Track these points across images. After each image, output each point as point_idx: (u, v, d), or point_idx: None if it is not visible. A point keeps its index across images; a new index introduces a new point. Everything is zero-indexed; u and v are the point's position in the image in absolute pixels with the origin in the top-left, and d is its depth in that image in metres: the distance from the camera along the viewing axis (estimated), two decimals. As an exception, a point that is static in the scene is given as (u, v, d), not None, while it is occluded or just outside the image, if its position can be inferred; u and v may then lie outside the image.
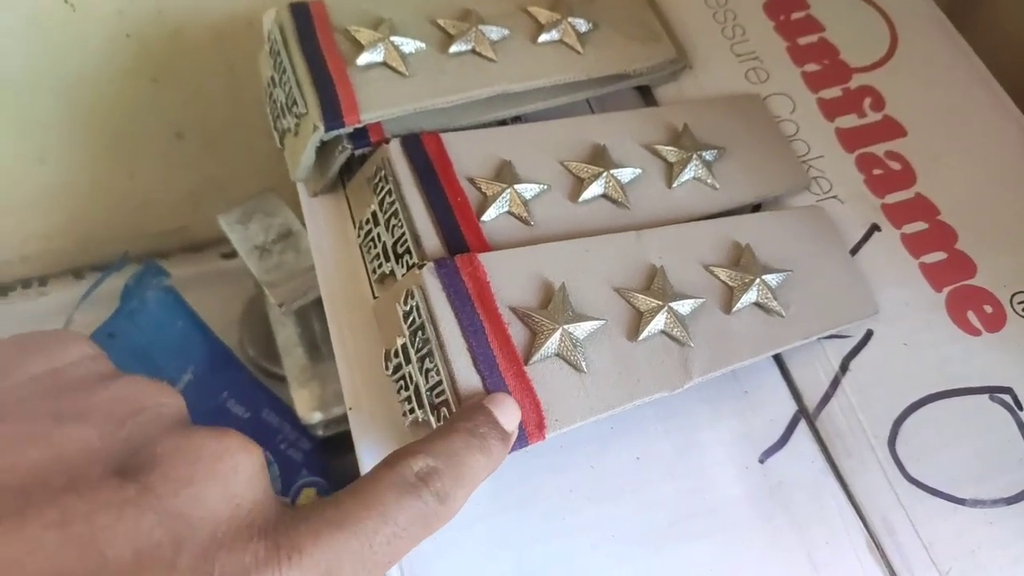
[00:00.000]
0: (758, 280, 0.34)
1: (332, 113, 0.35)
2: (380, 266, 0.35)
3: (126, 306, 0.56)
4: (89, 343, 0.21)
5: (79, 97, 0.54)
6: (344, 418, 0.42)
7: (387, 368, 0.33)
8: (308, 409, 0.56)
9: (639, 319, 0.32)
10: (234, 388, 0.58)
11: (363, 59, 0.36)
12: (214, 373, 0.58)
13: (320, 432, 0.59)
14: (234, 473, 0.19)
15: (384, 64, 0.36)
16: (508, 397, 0.28)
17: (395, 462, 0.23)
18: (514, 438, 0.28)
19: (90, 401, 0.19)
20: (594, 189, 0.36)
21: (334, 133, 0.35)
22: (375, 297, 0.36)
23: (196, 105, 0.56)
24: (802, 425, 0.34)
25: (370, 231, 0.36)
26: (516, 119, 0.40)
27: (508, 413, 0.28)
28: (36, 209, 0.62)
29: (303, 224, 0.54)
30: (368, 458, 0.33)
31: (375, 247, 0.35)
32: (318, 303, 0.54)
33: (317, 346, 0.58)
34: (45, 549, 0.16)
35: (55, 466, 0.17)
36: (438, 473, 0.23)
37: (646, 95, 0.43)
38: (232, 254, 0.69)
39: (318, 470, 0.59)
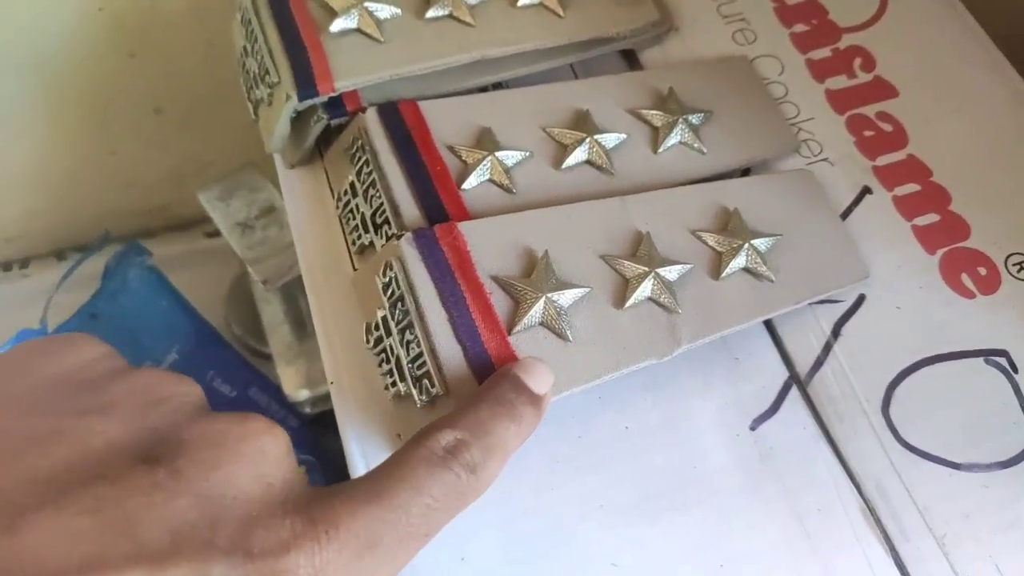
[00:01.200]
0: (747, 245, 0.33)
1: (305, 81, 0.34)
2: (359, 238, 0.34)
3: (108, 286, 0.55)
4: (100, 342, 0.21)
5: (56, 74, 0.52)
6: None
7: (368, 341, 0.32)
8: (295, 387, 0.55)
9: (625, 286, 0.31)
10: (220, 367, 0.57)
11: (336, 26, 0.35)
12: (199, 352, 0.57)
13: (308, 410, 0.58)
14: (261, 454, 0.19)
15: (358, 31, 0.35)
16: (537, 360, 0.28)
17: (423, 437, 0.24)
18: (547, 402, 0.27)
19: (109, 395, 0.19)
20: (578, 155, 0.35)
21: (308, 102, 0.34)
22: (355, 270, 0.35)
23: (174, 80, 0.55)
24: (794, 392, 0.34)
25: (348, 202, 0.35)
26: (497, 86, 0.39)
27: (537, 376, 0.27)
28: (17, 189, 0.61)
29: (286, 199, 0.53)
30: (350, 432, 0.32)
31: (354, 218, 0.35)
32: (302, 280, 0.53)
33: (303, 323, 0.57)
34: (81, 536, 0.16)
35: (82, 460, 0.17)
36: (466, 445, 0.23)
37: (631, 59, 0.42)
38: (216, 232, 0.68)
39: (307, 448, 0.59)
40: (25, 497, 0.16)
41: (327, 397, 0.55)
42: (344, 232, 0.36)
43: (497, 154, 0.34)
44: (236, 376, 0.58)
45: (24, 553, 0.15)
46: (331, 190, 0.37)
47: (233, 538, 0.18)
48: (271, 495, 0.19)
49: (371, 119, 0.34)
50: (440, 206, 0.33)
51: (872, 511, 0.31)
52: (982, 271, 0.36)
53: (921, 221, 0.37)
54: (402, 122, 0.34)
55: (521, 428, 0.25)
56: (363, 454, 0.31)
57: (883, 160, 0.39)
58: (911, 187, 0.38)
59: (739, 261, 0.33)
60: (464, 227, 0.31)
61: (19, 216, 0.63)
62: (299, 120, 0.36)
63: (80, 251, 0.65)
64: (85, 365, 0.20)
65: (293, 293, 0.57)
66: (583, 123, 0.36)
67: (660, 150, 0.36)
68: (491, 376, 0.27)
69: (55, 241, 0.65)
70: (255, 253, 0.51)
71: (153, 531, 0.17)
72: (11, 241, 0.64)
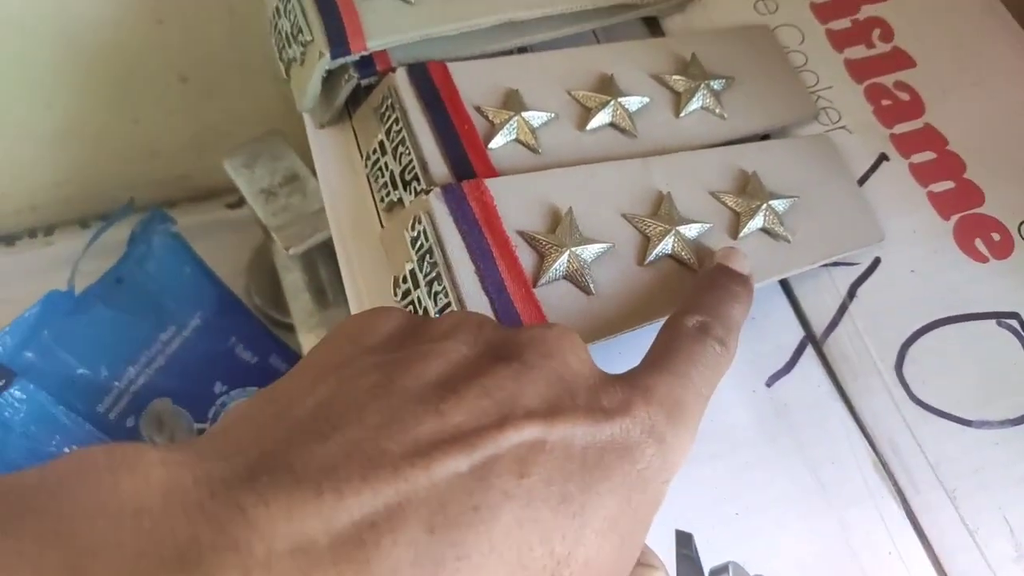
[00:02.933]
0: (765, 206, 0.34)
1: (338, 40, 0.35)
2: (388, 195, 0.35)
3: (133, 251, 0.56)
4: (401, 309, 0.26)
5: (84, 40, 0.53)
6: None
7: (396, 294, 0.33)
8: (316, 353, 0.56)
9: (647, 243, 0.32)
10: (242, 334, 0.58)
11: (368, -13, 0.36)
12: (222, 318, 0.58)
13: (328, 376, 0.59)
14: (573, 346, 0.23)
15: (389, -8, 0.36)
16: (730, 248, 0.31)
17: (674, 321, 0.27)
18: (754, 280, 0.31)
19: (440, 330, 0.23)
20: (601, 118, 0.36)
21: (340, 61, 0.35)
22: (383, 227, 0.36)
23: (199, 48, 0.56)
24: (809, 350, 0.34)
25: (377, 160, 0.36)
26: (522, 50, 0.40)
27: (736, 260, 0.31)
28: (45, 156, 0.62)
29: (308, 167, 0.54)
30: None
31: (383, 176, 0.35)
32: (324, 249, 0.54)
33: (324, 292, 0.58)
34: (487, 410, 0.20)
35: (454, 368, 0.21)
36: (710, 324, 0.27)
37: (653, 27, 0.43)
38: (238, 204, 0.69)
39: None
40: (433, 393, 0.20)
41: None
42: (372, 190, 0.36)
43: (523, 115, 0.35)
44: (258, 343, 0.59)
45: (455, 426, 0.19)
46: (359, 149, 0.38)
47: (589, 402, 0.22)
48: (595, 372, 0.23)
49: (401, 78, 0.35)
50: (468, 163, 0.34)
51: (884, 465, 0.32)
52: (996, 237, 0.37)
53: (936, 188, 0.38)
54: (431, 82, 0.35)
55: (742, 304, 0.29)
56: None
57: (900, 128, 0.39)
58: (927, 155, 0.39)
59: (757, 221, 0.34)
60: (491, 183, 0.32)
61: (45, 184, 0.64)
62: (329, 80, 0.37)
63: (103, 220, 0.66)
64: (406, 318, 0.24)
65: (314, 262, 0.58)
66: (607, 87, 0.37)
67: (682, 114, 0.37)
68: (702, 271, 0.31)
69: (79, 209, 0.67)
70: (278, 220, 0.52)
71: (533, 401, 0.21)
72: (37, 209, 0.66)
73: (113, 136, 0.61)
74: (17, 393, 0.53)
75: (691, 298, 0.29)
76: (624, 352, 0.34)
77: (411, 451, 0.18)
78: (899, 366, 0.34)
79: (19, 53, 0.52)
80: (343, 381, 0.21)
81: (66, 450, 0.54)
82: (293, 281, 0.59)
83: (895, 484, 0.32)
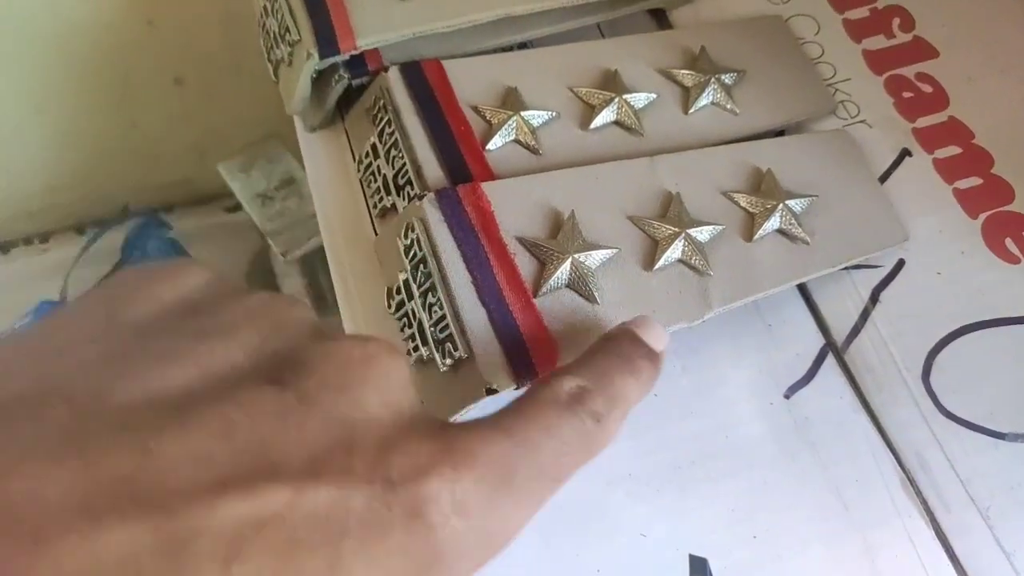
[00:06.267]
0: (781, 206, 0.32)
1: (326, 39, 0.33)
2: (381, 200, 0.33)
3: (128, 257, 0.55)
4: (207, 268, 0.20)
5: (75, 42, 0.52)
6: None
7: (389, 306, 0.31)
8: (316, 361, 0.54)
9: (655, 247, 0.30)
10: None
11: (358, -19, 0.34)
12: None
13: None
14: (386, 378, 0.18)
15: (380, -13, 0.34)
16: (650, 318, 0.27)
17: (547, 382, 0.22)
18: (663, 360, 0.26)
19: (225, 319, 0.18)
20: (606, 115, 0.34)
21: (329, 61, 0.33)
22: (376, 234, 0.34)
23: (194, 50, 0.54)
24: (830, 359, 0.32)
25: (370, 164, 0.34)
26: (523, 46, 0.38)
27: (652, 332, 0.26)
28: (39, 163, 0.60)
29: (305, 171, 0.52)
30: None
31: (375, 180, 0.34)
32: (322, 254, 0.53)
33: (324, 297, 0.57)
34: (213, 458, 0.15)
35: (206, 382, 0.16)
36: (590, 393, 0.22)
37: (660, 19, 0.41)
38: (237, 207, 0.67)
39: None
40: (151, 419, 0.15)
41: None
42: (365, 196, 0.35)
43: (523, 114, 0.33)
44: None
45: (156, 479, 0.14)
46: (352, 153, 0.36)
47: (372, 465, 0.16)
48: (402, 420, 0.18)
49: (394, 78, 0.33)
50: (464, 167, 0.32)
51: (912, 482, 0.30)
52: (1027, 236, 0.35)
53: (963, 184, 0.36)
54: (425, 81, 0.33)
55: (640, 382, 0.24)
56: (385, 420, 0.30)
57: (923, 122, 0.37)
58: (952, 150, 0.37)
59: (773, 222, 0.32)
60: (488, 187, 0.30)
61: (41, 191, 0.63)
62: (320, 80, 0.35)
63: (99, 225, 0.64)
64: (196, 289, 0.19)
65: (313, 268, 0.56)
66: (611, 83, 0.35)
67: (691, 111, 0.35)
68: (606, 333, 0.26)
69: (76, 215, 0.65)
70: (274, 225, 0.50)
71: (290, 455, 0.16)
72: (33, 216, 0.64)
73: (109, 141, 0.60)
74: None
75: (581, 359, 0.24)
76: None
77: (76, 511, 0.13)
78: (926, 375, 0.32)
79: (6, 56, 0.51)
80: (52, 373, 0.15)
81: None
82: (292, 287, 0.57)
83: (924, 503, 0.30)
